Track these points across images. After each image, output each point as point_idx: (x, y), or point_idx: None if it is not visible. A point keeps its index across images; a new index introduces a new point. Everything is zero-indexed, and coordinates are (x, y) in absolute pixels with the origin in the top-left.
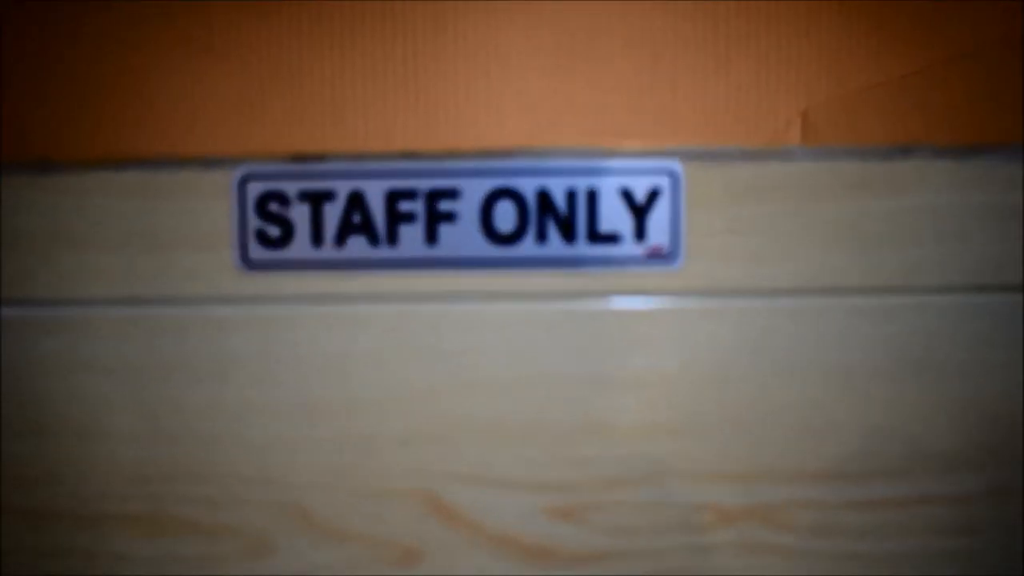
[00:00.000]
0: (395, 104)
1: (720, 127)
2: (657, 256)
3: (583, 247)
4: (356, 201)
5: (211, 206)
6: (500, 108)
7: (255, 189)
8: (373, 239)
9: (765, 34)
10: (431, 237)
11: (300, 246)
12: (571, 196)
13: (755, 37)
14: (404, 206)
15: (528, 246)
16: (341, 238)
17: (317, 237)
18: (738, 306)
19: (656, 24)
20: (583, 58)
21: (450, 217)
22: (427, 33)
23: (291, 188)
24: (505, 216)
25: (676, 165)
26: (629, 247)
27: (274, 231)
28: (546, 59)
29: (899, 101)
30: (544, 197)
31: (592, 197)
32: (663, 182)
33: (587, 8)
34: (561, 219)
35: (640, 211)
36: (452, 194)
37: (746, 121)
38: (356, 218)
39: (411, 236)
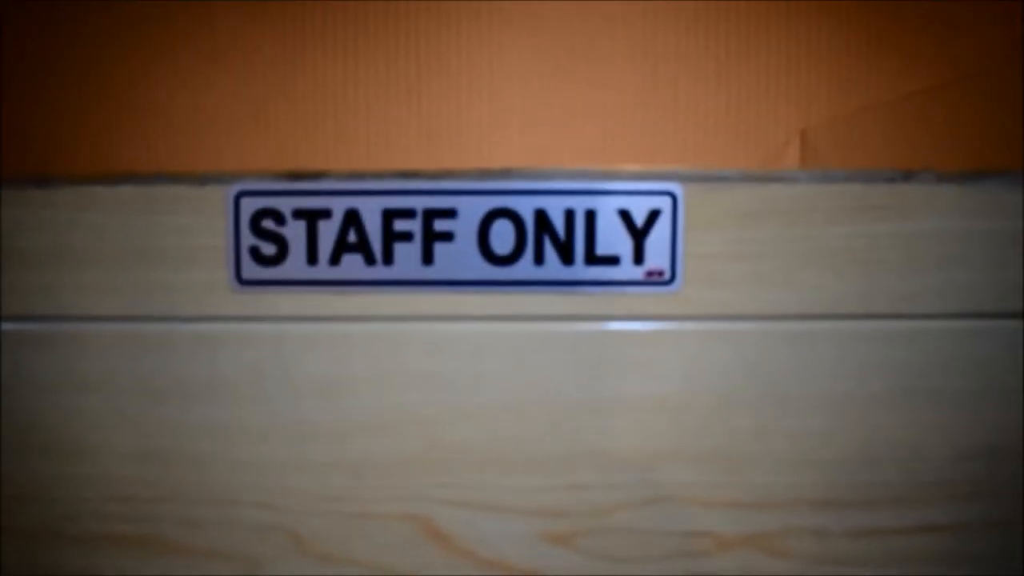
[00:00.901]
0: (397, 112)
1: (720, 136)
2: (656, 279)
3: (581, 269)
4: (352, 219)
5: (205, 223)
6: (503, 112)
7: (250, 206)
8: (369, 258)
9: (766, 48)
10: (428, 257)
11: (294, 264)
12: (569, 217)
13: (756, 50)
14: (401, 225)
15: (526, 267)
16: (336, 257)
17: (312, 255)
18: (737, 330)
19: (658, 36)
20: (585, 65)
21: (447, 237)
22: (430, 36)
23: (286, 205)
24: (503, 236)
25: (676, 187)
26: (628, 269)
27: (268, 249)
28: (550, 64)
29: (900, 116)
30: (542, 217)
31: (591, 218)
32: (663, 204)
33: (590, 19)
34: (559, 240)
35: (639, 233)
36: (449, 213)
37: (746, 131)
38: (352, 237)
39: (407, 256)
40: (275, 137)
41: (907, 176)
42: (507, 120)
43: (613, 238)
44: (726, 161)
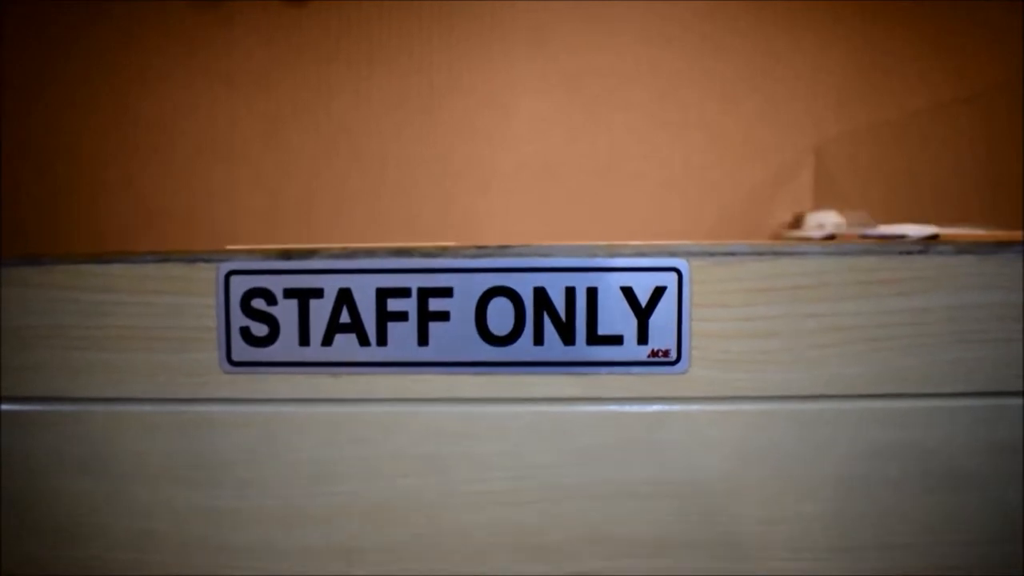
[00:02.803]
0: (409, 130)
1: (732, 155)
2: (661, 359)
3: (583, 349)
4: (344, 298)
5: (196, 302)
6: (512, 126)
7: (240, 285)
8: (362, 339)
9: (774, 71)
10: (423, 337)
11: (286, 345)
12: (570, 295)
13: (764, 74)
14: (395, 304)
15: (525, 347)
16: (328, 337)
17: (304, 336)
18: (746, 412)
19: (667, 58)
20: (594, 84)
21: (443, 316)
22: (443, 54)
23: (277, 284)
24: (501, 315)
25: (682, 263)
26: (631, 349)
27: (260, 329)
28: (559, 82)
29: (908, 132)
30: (541, 295)
31: (592, 296)
32: (668, 280)
33: (599, 40)
34: (559, 319)
35: (643, 311)
36: (445, 292)
37: (757, 150)
38: (344, 316)
39: (402, 336)
40: (290, 156)
41: (923, 249)
42: (516, 134)
43: (616, 317)
44: (737, 179)
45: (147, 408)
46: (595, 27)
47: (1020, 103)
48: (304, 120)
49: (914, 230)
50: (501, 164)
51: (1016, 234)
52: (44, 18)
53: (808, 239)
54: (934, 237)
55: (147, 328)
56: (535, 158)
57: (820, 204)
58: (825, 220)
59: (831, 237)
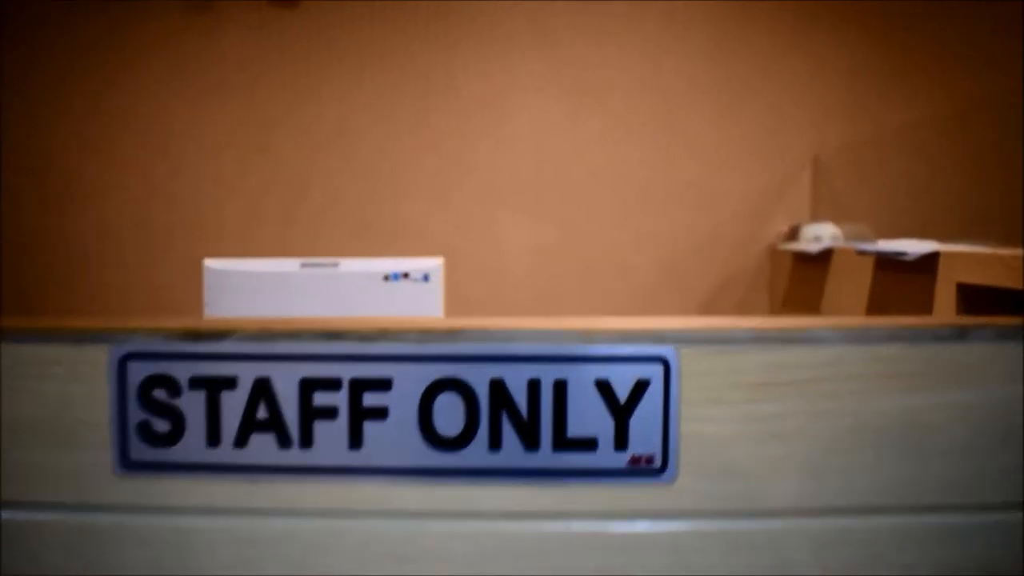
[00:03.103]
0: (404, 138)
1: (734, 162)
2: (643, 467)
3: (548, 455)
4: (262, 390)
5: (85, 391)
6: (511, 130)
7: (138, 372)
8: (283, 439)
9: (774, 82)
10: (356, 439)
11: (192, 444)
12: (533, 389)
13: (764, 84)
14: (322, 399)
15: (478, 452)
16: (243, 437)
17: (213, 434)
18: (747, 531)
19: (669, 68)
20: (595, 95)
21: (380, 413)
22: (439, 59)
23: (182, 371)
24: (449, 413)
25: (669, 351)
26: (607, 456)
27: (161, 425)
28: (560, 92)
29: (907, 142)
30: (499, 389)
31: (560, 391)
32: (652, 372)
33: (602, 50)
34: (520, 419)
35: (622, 410)
36: (383, 384)
37: (759, 158)
38: (262, 412)
39: (330, 437)
40: (279, 161)
41: (960, 334)
42: (514, 138)
43: (589, 416)
44: (734, 188)
45: (26, 515)
46: (595, 31)
47: (1021, 116)
48: (294, 124)
49: (914, 246)
50: (497, 170)
51: (1018, 251)
52: (35, 20)
53: (806, 253)
54: (935, 254)
55: (25, 421)
56: (533, 164)
57: (818, 215)
58: (822, 232)
59: (828, 251)
